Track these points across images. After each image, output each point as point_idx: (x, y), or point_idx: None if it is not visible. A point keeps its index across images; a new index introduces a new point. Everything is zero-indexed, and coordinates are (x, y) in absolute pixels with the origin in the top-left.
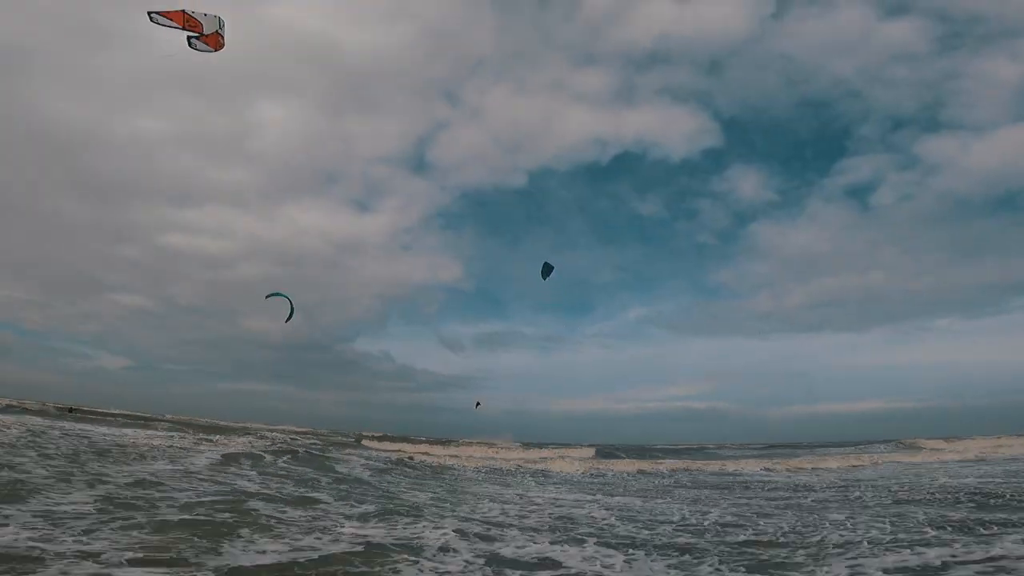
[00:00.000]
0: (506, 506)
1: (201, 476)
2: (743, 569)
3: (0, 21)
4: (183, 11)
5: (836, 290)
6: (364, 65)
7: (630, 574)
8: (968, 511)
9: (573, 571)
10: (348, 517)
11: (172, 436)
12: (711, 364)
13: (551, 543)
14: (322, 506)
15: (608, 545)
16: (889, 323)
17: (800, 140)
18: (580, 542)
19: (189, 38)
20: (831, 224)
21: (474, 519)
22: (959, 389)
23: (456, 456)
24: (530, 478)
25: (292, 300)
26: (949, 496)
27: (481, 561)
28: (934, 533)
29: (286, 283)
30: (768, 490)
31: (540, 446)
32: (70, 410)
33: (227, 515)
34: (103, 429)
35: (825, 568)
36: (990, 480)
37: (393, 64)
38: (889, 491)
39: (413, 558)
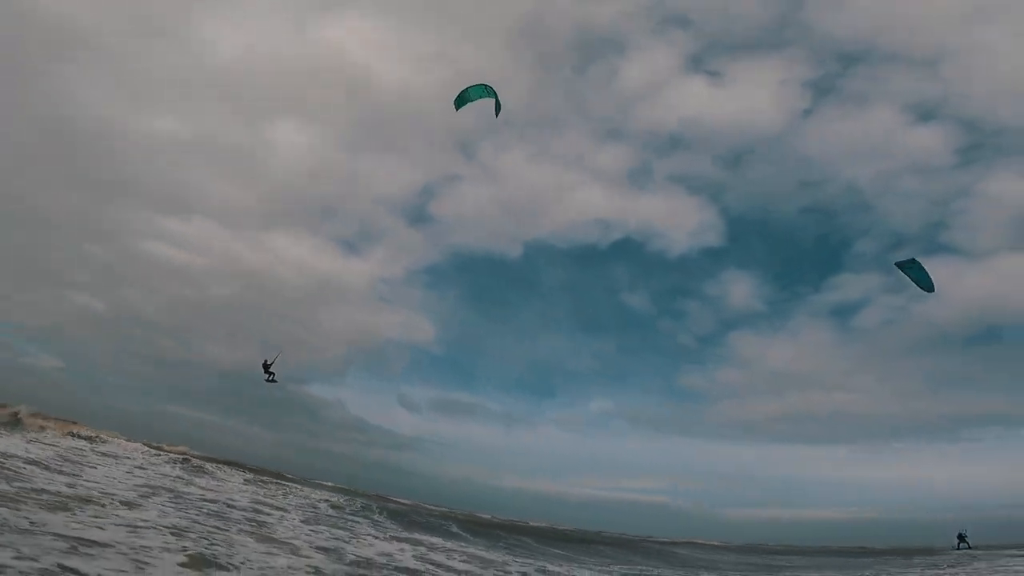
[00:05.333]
0: None
1: None
2: None
3: None
4: None
5: (805, 405)
6: (391, 102)
7: None
8: None
9: None
10: None
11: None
12: (671, 462)
13: None
14: None
15: None
16: (853, 441)
17: (800, 250)
18: None
19: None
20: (811, 342)
21: None
22: (909, 505)
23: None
24: None
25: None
26: None
27: None
28: None
29: (254, 312)
30: None
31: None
32: None
33: None
34: None
35: None
36: None
37: (418, 106)
38: None
39: None
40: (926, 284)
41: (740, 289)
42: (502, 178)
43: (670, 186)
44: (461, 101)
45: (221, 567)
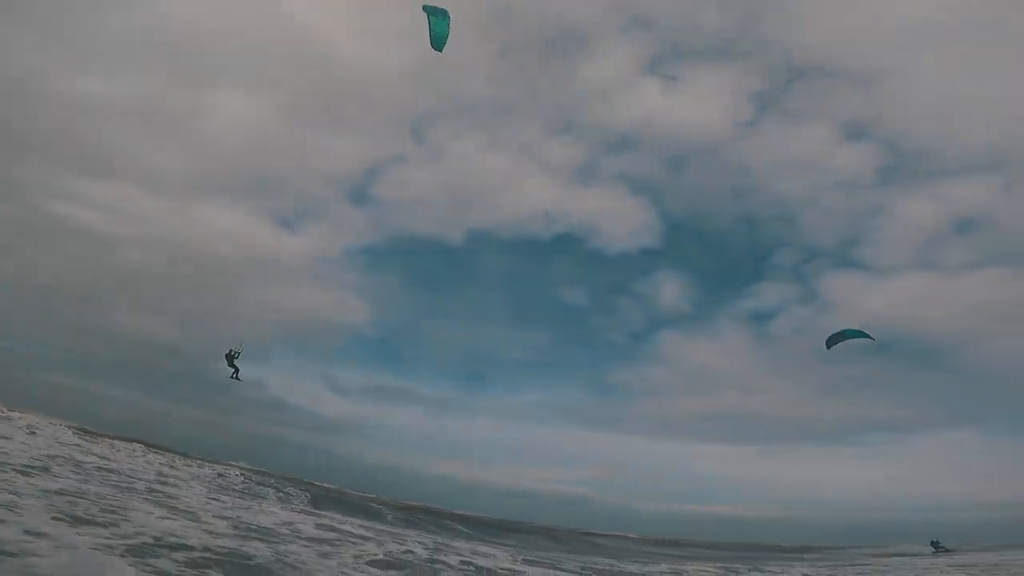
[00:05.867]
0: None
1: None
2: None
3: None
4: None
5: (721, 405)
6: (348, 78)
7: None
8: None
9: None
10: None
11: None
12: (596, 455)
13: None
14: None
15: None
16: (762, 442)
17: (728, 256)
18: None
19: None
20: (730, 345)
21: None
22: (805, 505)
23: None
24: None
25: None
26: None
27: None
28: None
29: (173, 283)
30: None
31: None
32: None
33: None
34: None
35: None
36: None
37: (375, 84)
38: None
39: None
40: (864, 335)
41: (671, 290)
42: (451, 163)
43: (615, 184)
44: (439, 42)
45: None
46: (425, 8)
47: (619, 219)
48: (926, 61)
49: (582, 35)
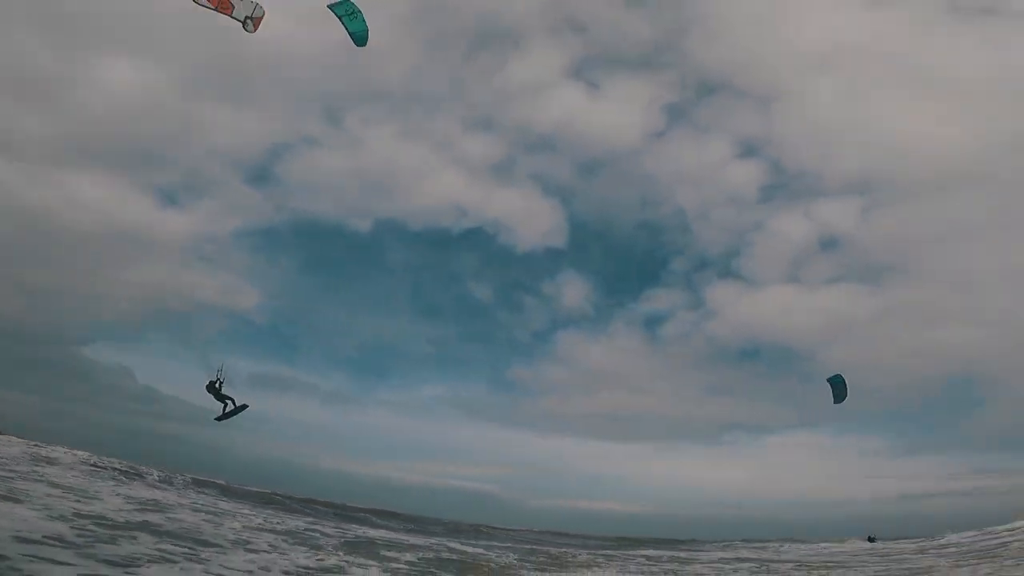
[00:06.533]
0: None
1: None
2: None
3: None
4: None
5: (613, 405)
6: (261, 54)
7: None
8: None
9: None
10: None
11: None
12: (493, 451)
13: None
14: None
15: None
16: (648, 440)
17: (629, 262)
18: None
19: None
20: (624, 347)
21: None
22: (680, 501)
23: None
24: None
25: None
26: None
27: None
28: None
29: (19, 256)
30: None
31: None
32: None
33: None
34: None
35: None
36: None
37: (286, 63)
38: None
39: None
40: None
41: (574, 291)
42: (365, 150)
43: (530, 185)
44: (360, 40)
45: None
46: (330, 8)
47: (530, 219)
48: (819, 87)
49: (513, 34)
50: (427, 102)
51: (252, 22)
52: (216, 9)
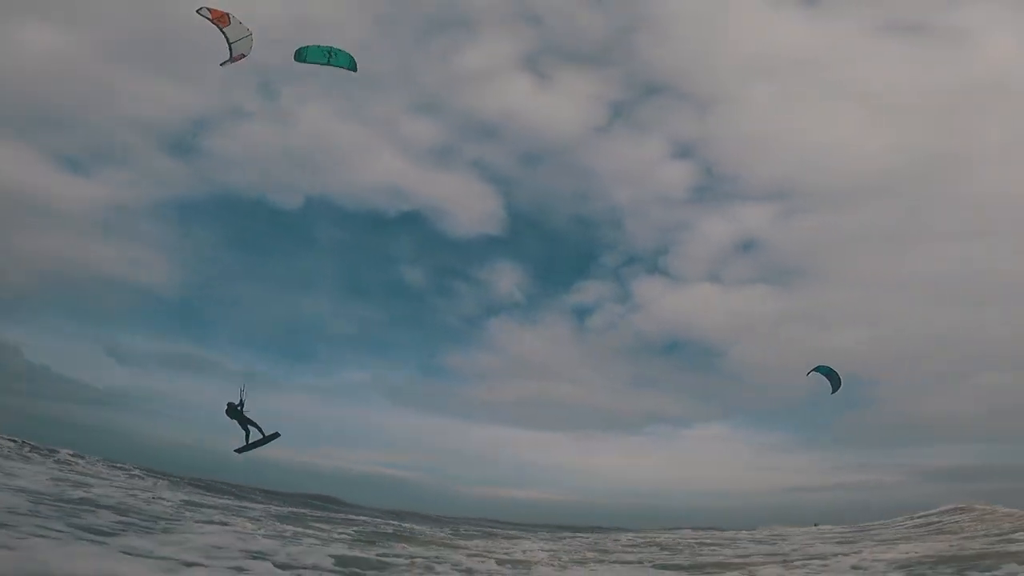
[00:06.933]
0: None
1: None
2: None
3: None
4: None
5: (541, 394)
6: (182, 21)
7: None
8: None
9: None
10: None
11: None
12: (420, 439)
13: None
14: None
15: None
16: (573, 429)
17: (563, 253)
18: None
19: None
20: (554, 336)
21: None
22: (603, 491)
23: None
24: None
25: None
26: None
27: None
28: None
29: None
30: None
31: None
32: None
33: None
34: None
35: None
36: None
37: (219, 33)
38: None
39: None
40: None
41: (507, 279)
42: (301, 126)
43: (470, 171)
44: (300, 56)
45: None
46: (307, 61)
47: (468, 205)
48: (755, 94)
49: (469, 21)
50: (371, 81)
51: (235, 49)
52: (214, 21)
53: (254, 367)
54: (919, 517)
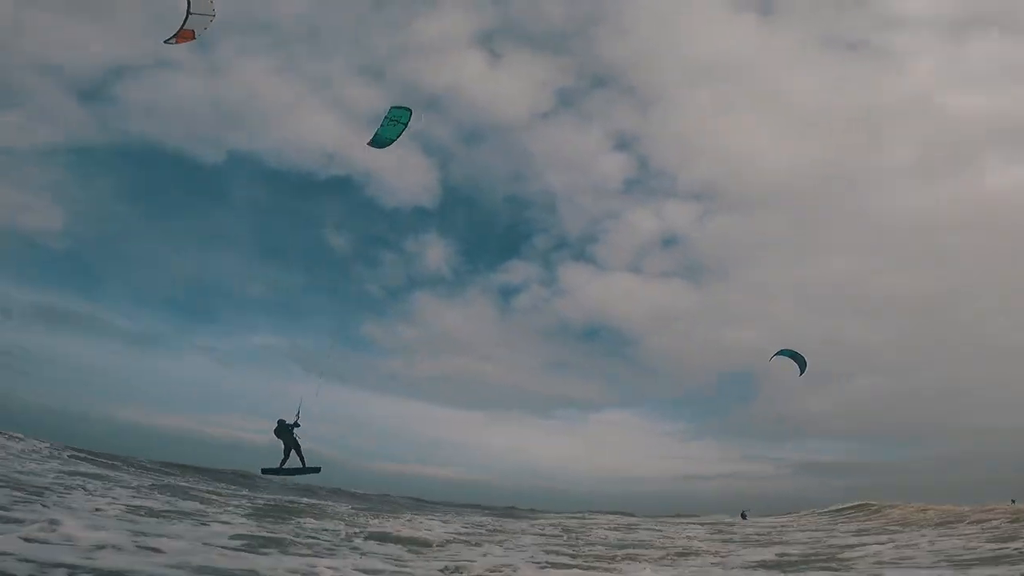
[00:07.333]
0: None
1: None
2: None
3: None
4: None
5: (458, 371)
6: None
7: None
8: None
9: None
10: None
11: None
12: (330, 410)
13: None
14: None
15: None
16: (487, 408)
17: (493, 232)
18: None
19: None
20: (478, 314)
21: None
22: (512, 472)
23: None
24: None
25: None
26: None
27: None
28: None
29: None
30: None
31: None
32: None
33: None
34: None
35: None
36: None
37: None
38: None
39: None
40: (800, 362)
41: (435, 253)
42: (232, 79)
43: (408, 141)
44: (379, 142)
45: None
46: (393, 109)
47: (402, 176)
48: (695, 96)
49: None
50: (315, 39)
51: (188, 23)
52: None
53: (151, 328)
54: (827, 512)
